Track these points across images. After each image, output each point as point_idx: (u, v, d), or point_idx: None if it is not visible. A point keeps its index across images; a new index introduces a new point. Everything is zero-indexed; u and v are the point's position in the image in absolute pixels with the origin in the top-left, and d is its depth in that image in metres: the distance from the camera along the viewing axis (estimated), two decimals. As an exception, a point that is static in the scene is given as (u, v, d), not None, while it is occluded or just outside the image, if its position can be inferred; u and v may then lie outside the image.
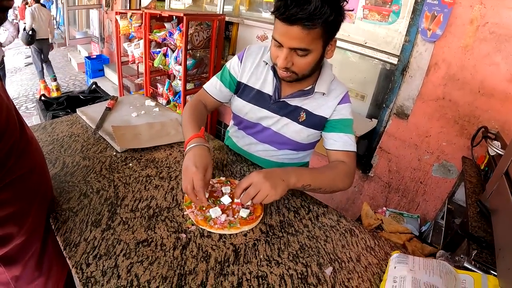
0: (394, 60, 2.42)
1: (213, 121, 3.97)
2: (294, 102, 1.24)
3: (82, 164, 1.23)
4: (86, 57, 6.70)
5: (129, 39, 4.23)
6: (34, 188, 0.93)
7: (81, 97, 3.09)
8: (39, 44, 5.69)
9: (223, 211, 1.02)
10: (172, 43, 3.42)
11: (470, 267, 0.97)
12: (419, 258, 0.86)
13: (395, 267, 0.85)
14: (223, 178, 1.20)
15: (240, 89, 1.33)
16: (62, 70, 7.85)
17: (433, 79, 2.19)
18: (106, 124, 1.51)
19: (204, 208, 1.03)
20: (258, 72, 1.29)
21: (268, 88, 1.27)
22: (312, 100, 1.23)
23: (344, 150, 1.21)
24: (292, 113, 1.25)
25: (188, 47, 3.28)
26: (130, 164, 1.25)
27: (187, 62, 3.35)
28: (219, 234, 0.95)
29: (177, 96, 3.70)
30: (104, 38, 7.17)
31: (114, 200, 1.04)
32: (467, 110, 2.07)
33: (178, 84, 3.60)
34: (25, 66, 8.10)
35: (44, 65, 5.87)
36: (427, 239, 2.01)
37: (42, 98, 3.08)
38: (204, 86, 1.42)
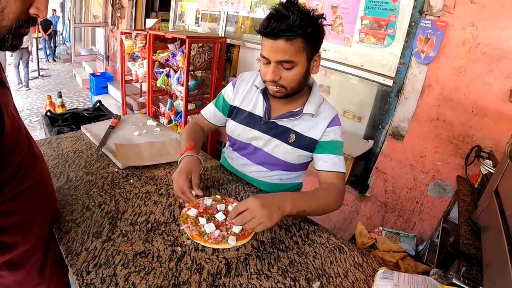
0: (390, 82, 2.46)
1: (213, 141, 4.01)
2: (283, 123, 1.30)
3: (85, 179, 1.28)
4: (90, 74, 6.74)
5: (133, 58, 4.28)
6: (39, 199, 0.98)
7: (86, 114, 3.15)
8: (20, 52, 7.14)
9: (217, 227, 1.07)
10: (175, 64, 3.48)
11: (458, 283, 1.01)
12: (404, 274, 0.89)
13: (380, 282, 0.88)
14: (218, 196, 1.26)
15: (233, 112, 1.41)
16: (66, 86, 7.90)
17: (428, 100, 2.22)
18: (109, 141, 1.57)
19: (198, 223, 1.08)
20: (249, 96, 1.37)
21: (259, 110, 1.34)
22: (301, 121, 1.28)
23: (333, 171, 1.24)
24: (282, 134, 1.30)
25: (190, 68, 3.33)
26: (131, 181, 1.30)
27: (189, 83, 3.40)
28: (213, 248, 1.00)
29: (178, 115, 3.73)
30: (109, 56, 7.26)
31: (114, 213, 1.09)
32: (461, 130, 2.10)
33: (179, 104, 3.64)
34: (30, 80, 8.05)
35: (21, 67, 7.41)
36: (423, 258, 2.01)
37: (48, 113, 3.14)
38: (201, 111, 1.52)
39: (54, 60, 11.04)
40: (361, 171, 2.75)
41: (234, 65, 3.86)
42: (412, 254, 1.89)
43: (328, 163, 1.25)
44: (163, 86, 3.71)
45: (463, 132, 2.10)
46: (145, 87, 4.21)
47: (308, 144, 1.28)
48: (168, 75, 3.69)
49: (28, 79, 7.60)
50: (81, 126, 1.71)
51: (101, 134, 1.62)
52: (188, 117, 3.58)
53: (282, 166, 1.38)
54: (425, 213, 2.39)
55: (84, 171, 1.33)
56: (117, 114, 1.87)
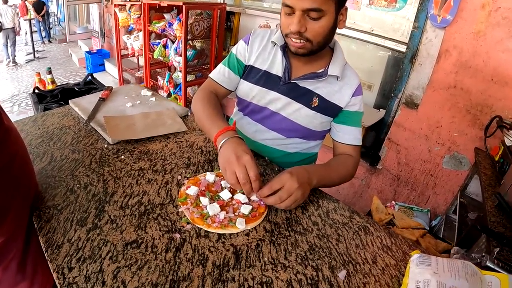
0: (403, 48, 2.37)
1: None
2: (305, 84, 1.18)
3: (71, 158, 1.14)
4: (86, 52, 6.76)
5: (129, 31, 4.27)
6: (15, 182, 0.86)
7: (76, 89, 2.98)
8: (6, 32, 8.25)
9: (222, 208, 0.93)
10: (172, 33, 3.40)
11: (493, 266, 0.93)
12: (442, 259, 0.78)
13: (416, 270, 0.76)
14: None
15: (246, 71, 1.27)
16: (63, 66, 7.86)
17: (444, 66, 2.13)
18: (99, 115, 1.43)
19: (202, 209, 0.94)
20: (265, 53, 1.24)
21: (277, 68, 1.21)
22: (325, 84, 1.17)
23: (352, 145, 1.22)
24: (304, 97, 1.18)
25: (188, 37, 3.25)
26: (122, 157, 1.17)
27: (188, 53, 3.33)
28: (218, 234, 0.86)
29: (177, 88, 3.69)
30: (104, 33, 7.23)
31: (102, 196, 0.96)
32: (480, 99, 2.01)
33: (178, 76, 3.60)
34: (26, 63, 8.30)
35: (9, 45, 8.25)
36: (438, 234, 1.99)
37: (36, 91, 2.98)
38: (211, 75, 1.34)
39: (49, 41, 11.03)
40: (372, 142, 2.67)
41: (235, 33, 3.77)
42: (427, 229, 1.82)
43: (349, 136, 1.22)
44: (160, 57, 3.65)
45: (482, 102, 2.01)
46: (142, 61, 4.19)
47: (332, 110, 1.20)
48: (165, 46, 3.62)
49: (15, 56, 8.37)
50: (69, 101, 1.56)
51: (90, 107, 1.48)
52: (188, 88, 3.52)
53: (300, 132, 1.26)
54: (440, 187, 2.33)
55: (70, 149, 1.19)
56: (108, 86, 1.72)
